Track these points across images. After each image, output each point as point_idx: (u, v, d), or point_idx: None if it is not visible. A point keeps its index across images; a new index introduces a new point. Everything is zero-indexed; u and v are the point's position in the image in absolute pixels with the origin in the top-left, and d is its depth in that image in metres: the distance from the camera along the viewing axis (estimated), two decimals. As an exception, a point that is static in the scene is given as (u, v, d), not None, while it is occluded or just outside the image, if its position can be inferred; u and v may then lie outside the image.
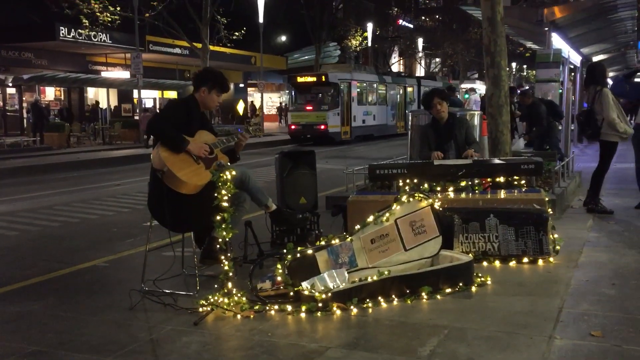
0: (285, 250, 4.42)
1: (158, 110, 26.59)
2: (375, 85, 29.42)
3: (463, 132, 6.59)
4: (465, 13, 28.88)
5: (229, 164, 4.65)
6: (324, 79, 25.11)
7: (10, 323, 4.04)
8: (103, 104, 29.11)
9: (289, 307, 4.03)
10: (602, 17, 13.78)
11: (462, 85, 40.78)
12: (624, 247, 5.64)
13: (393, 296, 4.17)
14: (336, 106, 25.08)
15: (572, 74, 18.46)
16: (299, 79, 25.94)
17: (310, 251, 4.38)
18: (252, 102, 40.02)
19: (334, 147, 23.18)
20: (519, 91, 12.77)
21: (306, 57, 41.77)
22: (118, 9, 22.84)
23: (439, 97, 6.56)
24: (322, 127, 24.68)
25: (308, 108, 25.28)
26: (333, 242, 4.48)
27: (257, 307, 4.07)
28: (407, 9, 48.28)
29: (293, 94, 26.54)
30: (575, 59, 17.29)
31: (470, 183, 6.12)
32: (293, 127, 25.41)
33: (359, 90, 27.28)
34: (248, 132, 5.12)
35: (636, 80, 10.20)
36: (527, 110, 10.74)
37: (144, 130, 20.75)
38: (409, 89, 33.39)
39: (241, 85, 40.51)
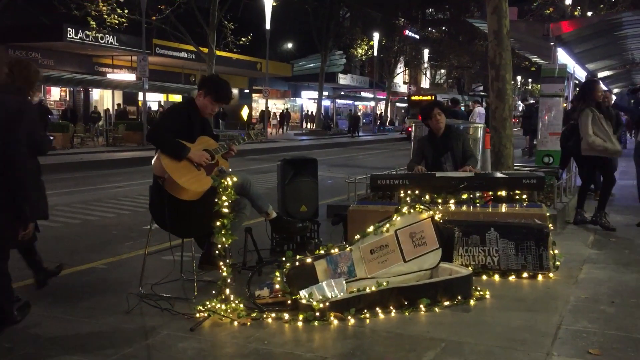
0: (284, 258, 4.41)
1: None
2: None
3: (460, 144, 6.48)
4: (472, 25, 29.48)
5: (230, 169, 4.65)
6: (432, 98, 34.75)
7: (6, 323, 4.02)
8: (108, 106, 29.17)
9: (286, 316, 4.02)
10: (608, 33, 13.78)
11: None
12: (625, 265, 5.61)
13: (391, 307, 4.16)
14: None
15: (577, 89, 18.41)
16: (414, 97, 39.61)
17: (309, 260, 4.36)
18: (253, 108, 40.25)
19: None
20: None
21: (312, 65, 41.99)
22: (126, 11, 22.94)
23: (439, 108, 6.51)
24: None
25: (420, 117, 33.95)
26: (332, 251, 4.47)
27: (254, 315, 4.06)
28: (413, 19, 48.38)
29: (408, 107, 41.08)
30: (581, 74, 17.28)
31: (471, 196, 6.11)
32: (410, 129, 33.66)
33: None
34: (249, 136, 5.13)
35: None
36: None
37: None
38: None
39: (246, 91, 40.60)
